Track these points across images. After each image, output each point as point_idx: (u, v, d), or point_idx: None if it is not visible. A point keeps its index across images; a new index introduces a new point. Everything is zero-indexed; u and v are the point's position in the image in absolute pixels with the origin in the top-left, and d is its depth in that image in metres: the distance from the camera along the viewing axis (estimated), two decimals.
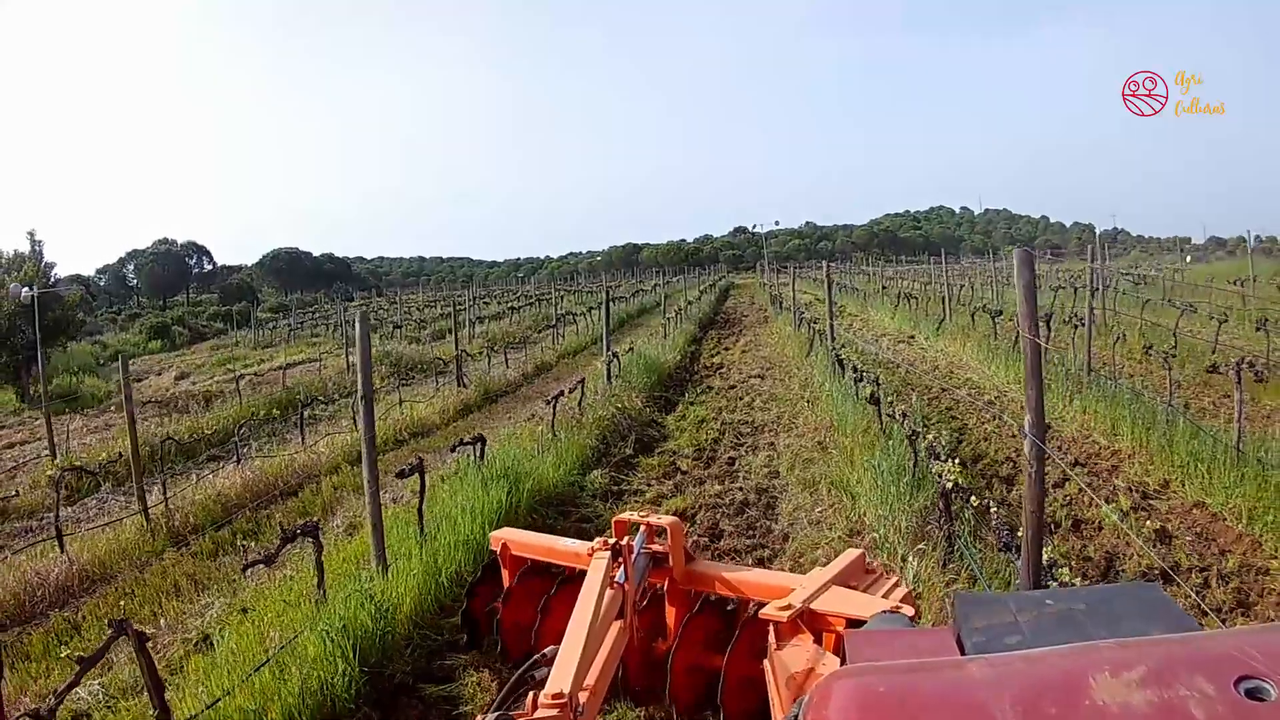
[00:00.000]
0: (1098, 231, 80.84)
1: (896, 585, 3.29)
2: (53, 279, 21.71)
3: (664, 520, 3.65)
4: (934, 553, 4.57)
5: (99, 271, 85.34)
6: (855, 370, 9.30)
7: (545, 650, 2.81)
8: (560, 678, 2.59)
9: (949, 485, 4.52)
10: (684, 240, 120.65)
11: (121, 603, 6.00)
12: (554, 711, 2.46)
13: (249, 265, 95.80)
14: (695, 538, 5.96)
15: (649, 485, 7.55)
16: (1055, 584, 3.13)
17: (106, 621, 3.20)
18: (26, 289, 15.31)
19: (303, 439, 10.68)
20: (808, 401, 10.48)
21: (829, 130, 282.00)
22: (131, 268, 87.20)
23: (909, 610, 2.86)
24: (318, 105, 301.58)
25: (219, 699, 3.60)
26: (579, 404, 9.54)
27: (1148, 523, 5.67)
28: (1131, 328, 14.39)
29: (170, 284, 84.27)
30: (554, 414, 8.49)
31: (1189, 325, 13.59)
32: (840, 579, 3.20)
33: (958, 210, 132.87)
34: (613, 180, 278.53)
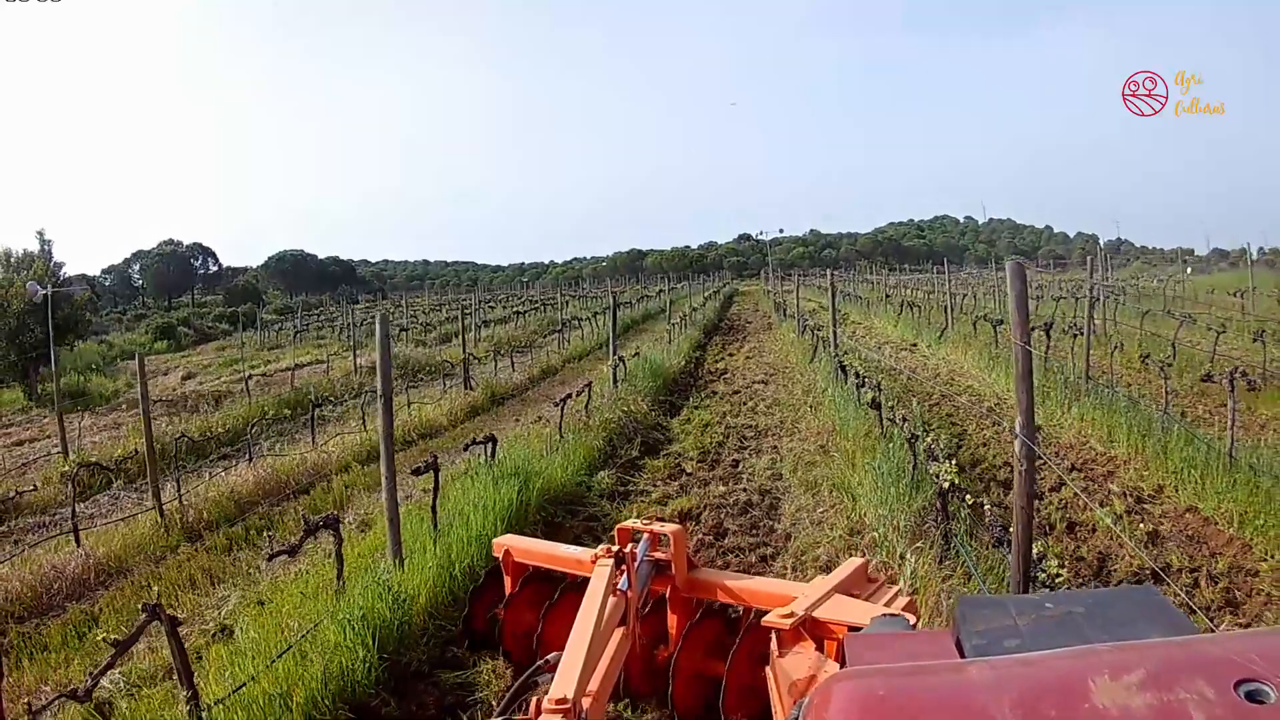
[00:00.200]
0: (1101, 242, 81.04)
1: (899, 594, 3.32)
2: (62, 278, 21.93)
3: (667, 528, 3.68)
4: (931, 550, 4.72)
5: (104, 271, 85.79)
6: (857, 376, 9.46)
7: (549, 656, 2.87)
8: (564, 684, 2.64)
9: (946, 485, 4.69)
10: (688, 246, 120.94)
11: (139, 595, 6.13)
12: (557, 717, 2.51)
13: (254, 267, 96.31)
14: (700, 536, 6.11)
15: (655, 486, 7.70)
16: (1044, 575, 3.27)
17: (140, 606, 3.35)
18: (41, 289, 15.52)
19: (313, 438, 10.84)
20: (810, 407, 10.63)
21: (830, 131, 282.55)
22: (137, 268, 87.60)
23: (911, 618, 2.86)
24: (318, 106, 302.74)
25: (244, 684, 3.75)
26: (586, 407, 9.70)
27: (1140, 526, 5.82)
28: (1130, 338, 14.51)
29: (175, 285, 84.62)
30: (562, 416, 8.65)
31: (1188, 336, 13.73)
32: (843, 587, 3.24)
33: (962, 219, 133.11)
34: (614, 181, 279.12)
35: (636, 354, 13.95)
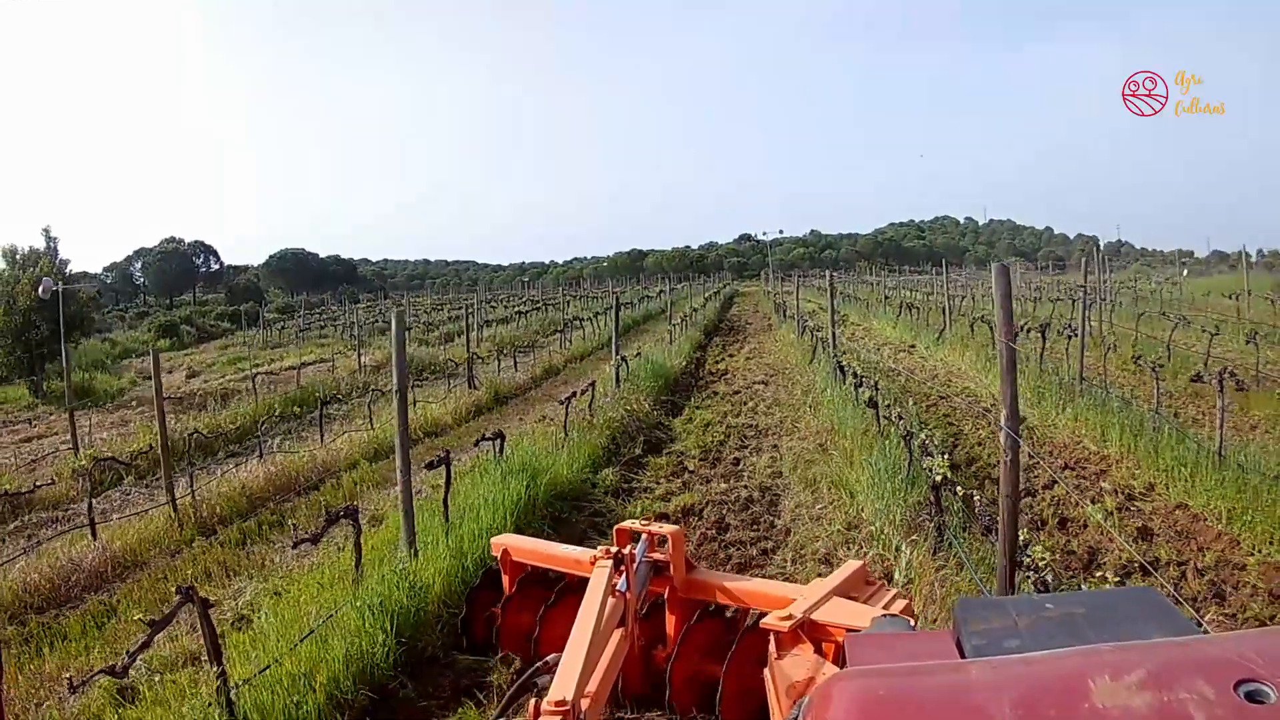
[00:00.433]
0: (1101, 243, 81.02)
1: (897, 597, 3.38)
2: (68, 275, 22.06)
3: (665, 529, 3.70)
4: (925, 542, 4.91)
5: (106, 269, 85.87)
6: (856, 376, 9.64)
7: (547, 657, 2.93)
8: (563, 685, 2.68)
9: (939, 479, 4.86)
10: (689, 247, 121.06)
11: (156, 587, 6.29)
12: (556, 718, 2.55)
13: (255, 265, 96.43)
14: (703, 531, 6.30)
15: (658, 483, 7.88)
16: (1028, 560, 3.44)
17: (175, 588, 3.53)
18: (53, 285, 15.70)
19: (321, 436, 11.01)
20: (810, 406, 10.81)
21: (831, 131, 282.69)
22: (138, 266, 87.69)
23: (910, 620, 2.85)
24: (318, 106, 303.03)
25: (268, 665, 3.93)
26: (589, 406, 9.87)
27: (1131, 522, 6.00)
28: (1126, 339, 14.68)
29: (177, 283, 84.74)
30: (567, 414, 8.82)
31: (1183, 337, 13.88)
32: (841, 590, 3.25)
33: (962, 220, 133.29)
34: (614, 182, 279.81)
35: (638, 354, 14.13)
